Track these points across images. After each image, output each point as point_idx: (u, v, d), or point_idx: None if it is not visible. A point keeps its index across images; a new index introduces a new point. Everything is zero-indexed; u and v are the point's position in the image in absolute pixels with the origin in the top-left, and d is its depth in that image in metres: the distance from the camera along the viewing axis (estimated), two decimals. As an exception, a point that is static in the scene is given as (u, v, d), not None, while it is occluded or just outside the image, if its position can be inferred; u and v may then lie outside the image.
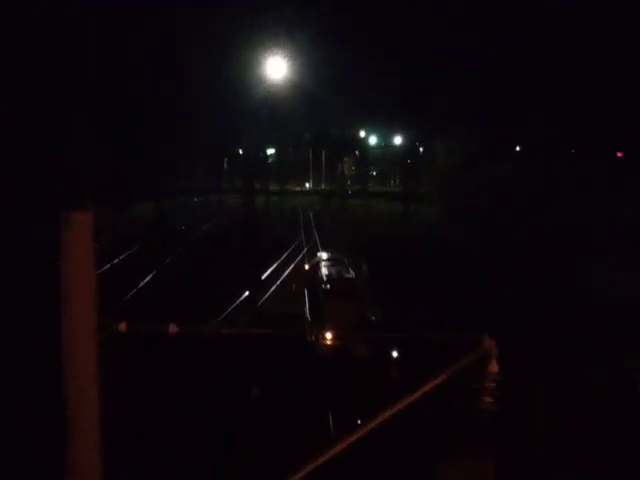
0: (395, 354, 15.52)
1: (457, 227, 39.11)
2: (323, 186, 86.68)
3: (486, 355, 5.11)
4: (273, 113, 64.44)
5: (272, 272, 28.92)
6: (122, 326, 5.15)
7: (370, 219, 49.29)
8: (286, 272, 28.80)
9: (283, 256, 32.65)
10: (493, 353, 5.16)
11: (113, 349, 4.65)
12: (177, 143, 65.87)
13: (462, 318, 17.81)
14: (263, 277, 28.11)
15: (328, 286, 20.84)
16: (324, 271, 22.19)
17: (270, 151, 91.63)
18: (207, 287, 24.12)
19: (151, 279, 26.87)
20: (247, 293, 24.33)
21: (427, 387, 4.89)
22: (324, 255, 25.38)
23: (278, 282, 26.97)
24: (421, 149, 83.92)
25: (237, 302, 23.23)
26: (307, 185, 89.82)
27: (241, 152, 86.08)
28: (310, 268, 24.41)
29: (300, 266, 26.89)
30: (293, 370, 16.12)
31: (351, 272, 22.30)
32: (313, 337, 19.53)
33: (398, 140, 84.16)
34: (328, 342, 18.91)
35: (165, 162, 63.24)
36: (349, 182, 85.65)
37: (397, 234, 38.47)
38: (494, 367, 5.19)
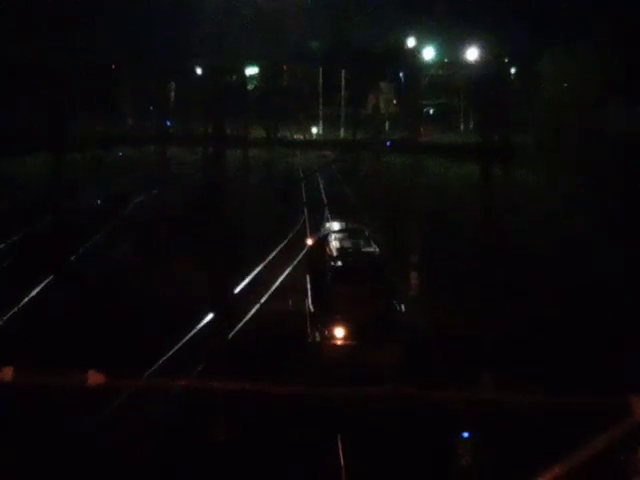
0: (466, 434, 15.94)
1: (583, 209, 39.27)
2: (342, 132, 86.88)
3: (636, 428, 5.26)
4: (257, 7, 64.77)
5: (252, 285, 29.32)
6: (5, 373, 5.29)
7: (435, 194, 49.03)
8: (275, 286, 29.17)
9: (268, 258, 33.10)
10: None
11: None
12: (84, 59, 66.47)
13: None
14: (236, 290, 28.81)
15: (339, 263, 22.76)
16: (335, 244, 24.01)
17: (250, 71, 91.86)
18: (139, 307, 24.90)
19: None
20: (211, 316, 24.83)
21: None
22: (335, 225, 27.59)
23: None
24: (513, 71, 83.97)
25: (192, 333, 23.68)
26: (314, 131, 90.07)
27: (200, 73, 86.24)
28: (314, 243, 26.35)
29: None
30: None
31: (373, 246, 24.32)
32: (317, 335, 21.46)
33: (472, 55, 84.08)
34: (338, 342, 20.96)
35: (67, 90, 63.77)
36: (387, 126, 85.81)
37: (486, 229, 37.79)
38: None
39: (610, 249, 32.88)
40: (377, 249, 24.11)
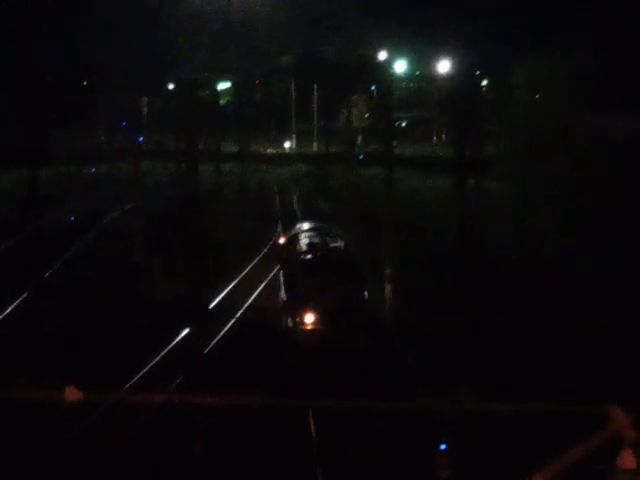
0: (443, 447, 16.25)
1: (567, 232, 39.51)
2: (315, 146, 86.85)
3: (616, 437, 5.27)
4: (228, 21, 64.74)
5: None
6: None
7: (404, 204, 49.26)
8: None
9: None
10: (627, 437, 5.29)
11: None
12: (56, 74, 66.28)
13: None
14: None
15: (309, 256, 25.58)
16: (305, 241, 27.08)
17: (223, 86, 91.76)
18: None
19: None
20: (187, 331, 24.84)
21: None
22: (305, 225, 30.79)
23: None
24: (484, 83, 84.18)
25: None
26: (287, 145, 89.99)
27: (171, 88, 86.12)
28: (286, 241, 29.46)
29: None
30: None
31: (340, 242, 27.21)
32: (290, 321, 23.87)
33: (444, 67, 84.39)
34: (308, 327, 23.28)
35: (38, 106, 63.60)
36: (360, 139, 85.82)
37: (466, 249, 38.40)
38: (628, 461, 5.33)
39: (576, 253, 33.38)
40: (343, 244, 26.83)
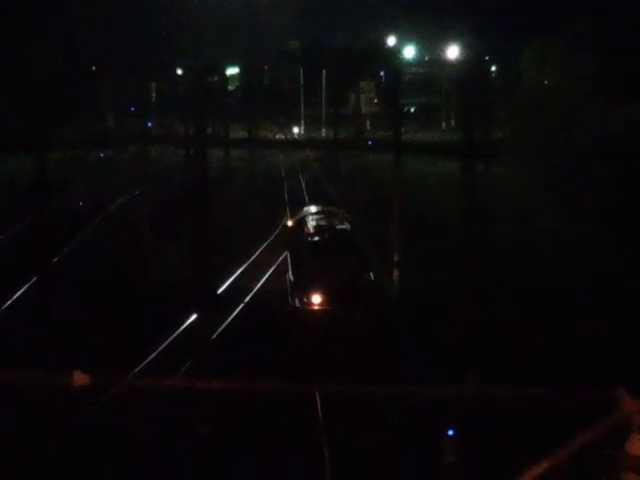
0: (451, 432, 16.33)
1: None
2: (324, 132, 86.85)
3: (623, 423, 5.23)
4: (237, 6, 64.64)
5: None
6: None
7: (412, 189, 49.26)
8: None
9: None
10: (636, 422, 5.25)
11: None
12: (65, 59, 66.30)
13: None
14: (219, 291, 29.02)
15: (316, 238, 26.42)
16: (312, 223, 27.97)
17: (231, 71, 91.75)
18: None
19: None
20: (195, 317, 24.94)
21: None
22: (312, 208, 31.71)
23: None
24: (493, 68, 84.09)
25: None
26: (295, 130, 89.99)
27: (180, 73, 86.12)
28: (294, 224, 30.28)
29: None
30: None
31: (346, 224, 28.24)
32: (297, 301, 24.50)
33: (453, 53, 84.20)
34: (315, 307, 24.02)
35: (47, 91, 63.53)
36: (368, 125, 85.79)
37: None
38: (636, 447, 5.29)
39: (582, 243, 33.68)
40: (349, 226, 27.93)
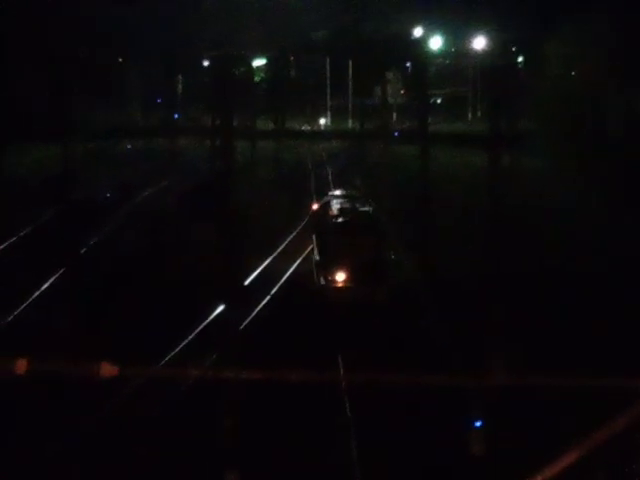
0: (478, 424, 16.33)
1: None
2: (350, 123, 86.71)
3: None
4: None
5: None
6: (20, 365, 5.27)
7: (438, 180, 49.21)
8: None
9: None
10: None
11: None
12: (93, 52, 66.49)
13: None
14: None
15: (340, 220, 27.66)
16: (336, 206, 29.23)
17: (258, 63, 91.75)
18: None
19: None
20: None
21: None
22: (337, 192, 33.64)
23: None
24: (520, 59, 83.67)
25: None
26: (322, 121, 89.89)
27: (206, 65, 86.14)
28: (319, 207, 31.83)
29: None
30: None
31: (368, 207, 29.69)
32: (322, 280, 26.02)
33: (480, 44, 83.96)
34: (339, 284, 25.59)
35: (75, 83, 63.87)
36: (395, 116, 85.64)
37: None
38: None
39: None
40: (371, 209, 29.42)
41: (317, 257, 27.66)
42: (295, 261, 31.18)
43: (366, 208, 29.31)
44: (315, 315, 24.85)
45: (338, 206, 29.04)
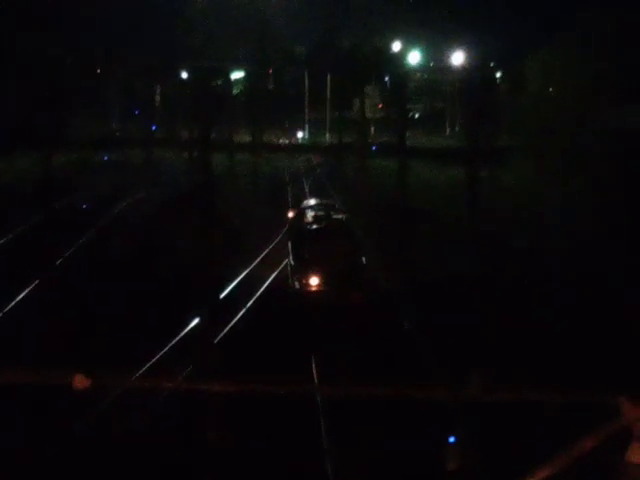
0: (452, 439, 16.27)
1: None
2: (328, 137, 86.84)
3: (625, 430, 5.21)
4: (242, 10, 64.69)
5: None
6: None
7: (414, 193, 49.42)
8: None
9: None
10: (636, 430, 5.23)
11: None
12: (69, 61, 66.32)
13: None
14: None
15: (314, 226, 28.98)
16: (311, 214, 30.45)
17: (236, 76, 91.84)
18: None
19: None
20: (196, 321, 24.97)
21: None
22: (312, 201, 34.83)
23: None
24: (498, 75, 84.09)
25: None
26: (300, 135, 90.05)
27: (185, 77, 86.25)
28: (294, 215, 33.14)
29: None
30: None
31: (342, 214, 31.03)
32: (297, 284, 27.12)
33: (458, 59, 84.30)
34: (313, 289, 26.67)
35: (52, 92, 63.75)
36: (373, 130, 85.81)
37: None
38: (637, 455, 5.27)
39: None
40: (345, 216, 30.59)
41: (292, 262, 28.59)
42: (273, 267, 31.41)
43: (339, 216, 30.52)
44: (290, 315, 25.71)
45: (312, 213, 30.29)
